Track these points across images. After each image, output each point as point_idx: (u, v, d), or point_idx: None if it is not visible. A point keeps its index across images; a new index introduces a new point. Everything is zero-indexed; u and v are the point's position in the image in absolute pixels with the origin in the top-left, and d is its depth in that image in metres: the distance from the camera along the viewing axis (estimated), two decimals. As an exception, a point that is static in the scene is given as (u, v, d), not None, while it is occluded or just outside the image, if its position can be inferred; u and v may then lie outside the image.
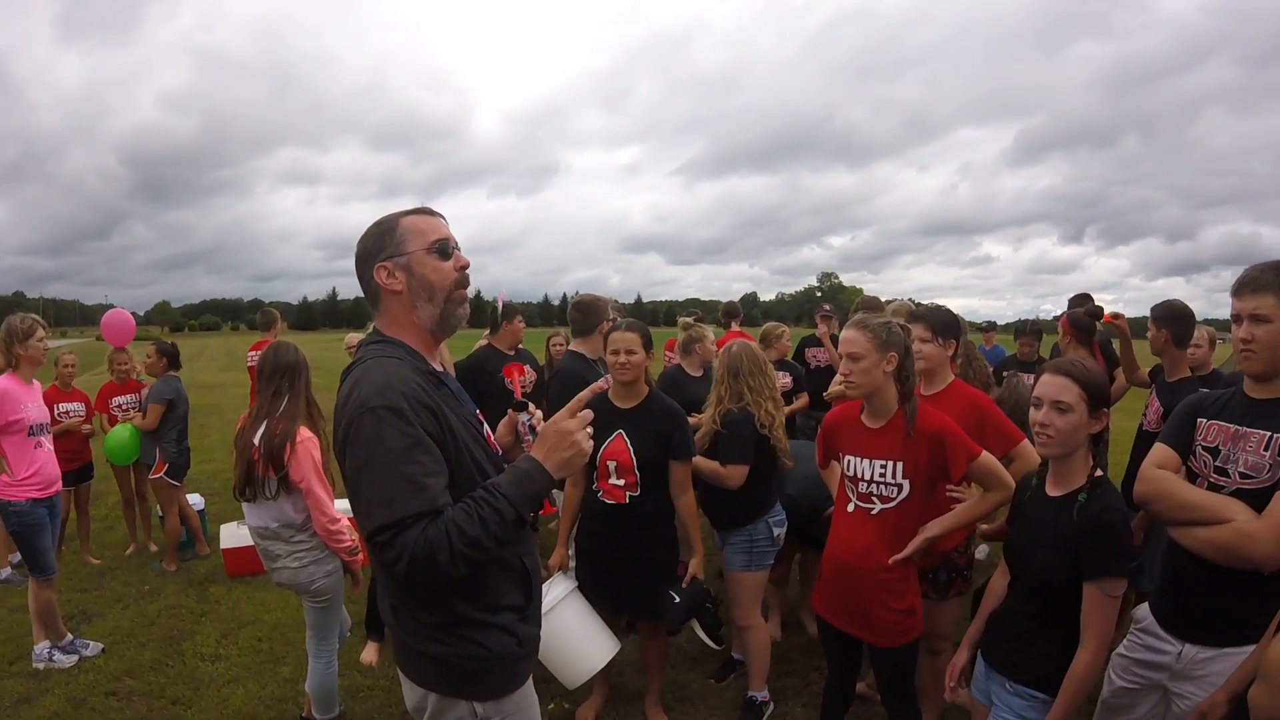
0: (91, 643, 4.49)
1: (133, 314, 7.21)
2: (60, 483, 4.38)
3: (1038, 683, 2.22)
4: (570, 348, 4.40)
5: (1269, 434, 2.08)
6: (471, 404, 1.93)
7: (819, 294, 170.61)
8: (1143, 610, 2.39)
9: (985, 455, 2.63)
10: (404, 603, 1.79)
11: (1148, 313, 4.07)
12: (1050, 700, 2.17)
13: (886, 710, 2.93)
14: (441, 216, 1.85)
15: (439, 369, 1.86)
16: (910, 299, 5.03)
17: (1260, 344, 2.09)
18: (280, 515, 3.23)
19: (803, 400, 5.74)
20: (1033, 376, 2.63)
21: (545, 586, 3.09)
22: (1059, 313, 5.71)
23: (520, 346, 5.00)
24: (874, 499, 2.67)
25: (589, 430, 1.79)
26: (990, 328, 9.70)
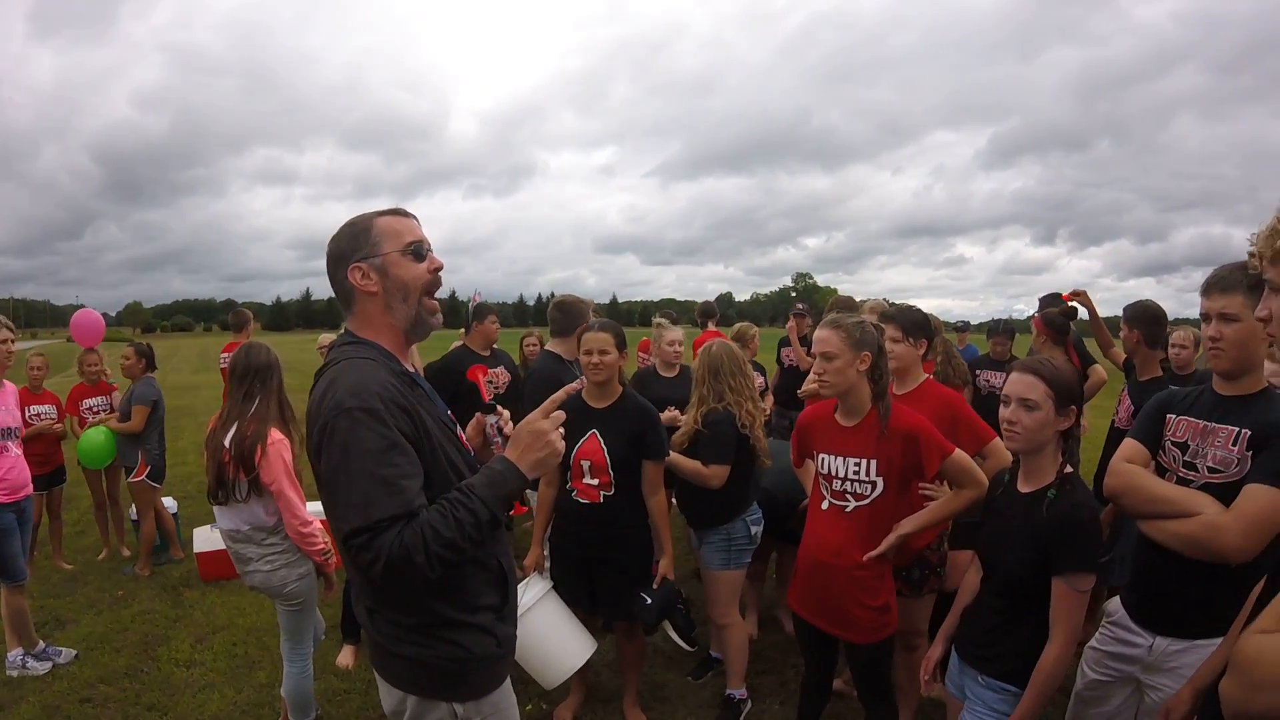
0: (65, 649, 4.43)
1: (104, 315, 7.12)
2: (31, 487, 4.29)
3: (1008, 676, 2.25)
4: (547, 347, 4.40)
5: (1237, 429, 2.12)
6: (443, 405, 1.93)
7: (794, 294, 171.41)
8: (1114, 603, 2.43)
9: (958, 453, 2.66)
10: (380, 605, 1.78)
11: (1119, 313, 4.12)
12: (1020, 693, 2.20)
13: (863, 706, 2.95)
14: (414, 218, 1.84)
15: (411, 370, 1.85)
16: (885, 299, 5.07)
17: (1228, 342, 2.12)
18: (252, 518, 3.20)
19: (768, 401, 5.78)
20: (1004, 375, 2.67)
21: (521, 587, 3.09)
22: (1031, 313, 5.77)
23: (496, 347, 4.99)
24: (848, 497, 2.69)
25: (562, 430, 1.79)
26: (964, 327, 9.80)
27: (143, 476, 5.77)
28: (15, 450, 4.18)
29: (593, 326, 3.31)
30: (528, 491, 4.58)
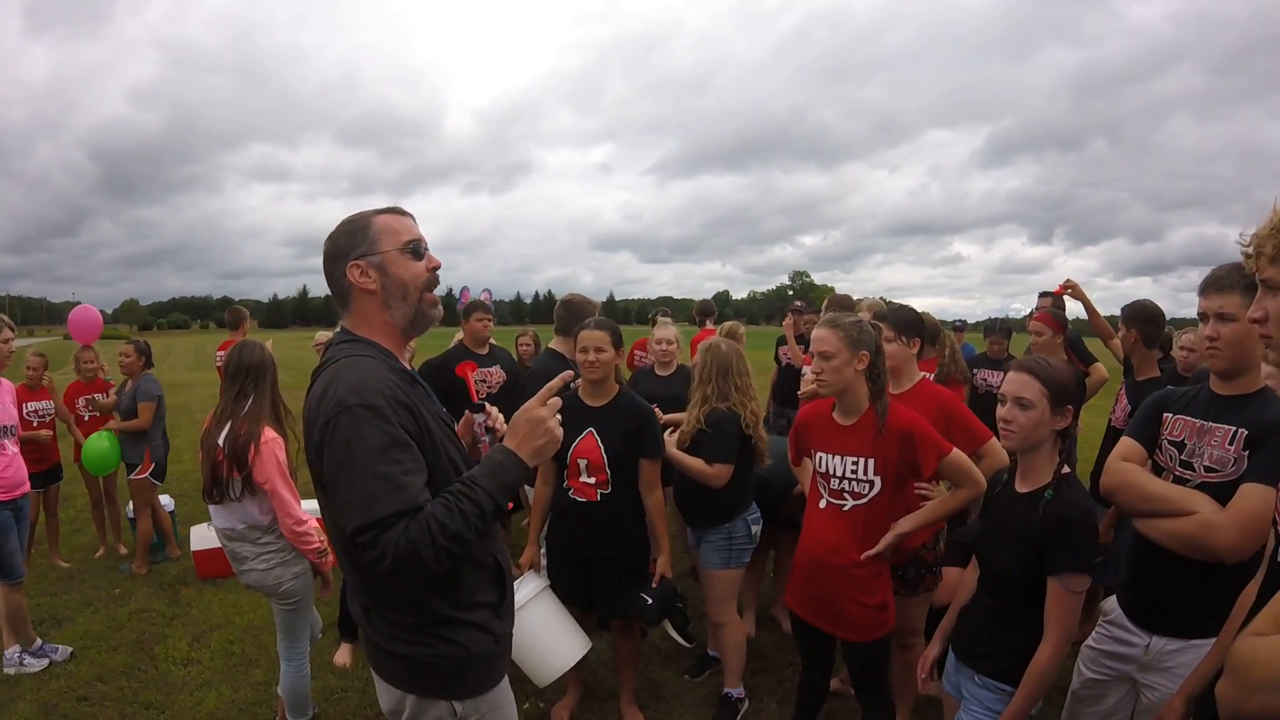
0: (61, 647, 4.42)
1: (101, 312, 7.10)
2: (28, 484, 4.29)
3: (1004, 675, 2.25)
4: (550, 345, 4.39)
5: (1233, 429, 2.12)
6: (439, 403, 1.93)
7: (791, 292, 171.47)
8: (1111, 603, 2.43)
9: (955, 452, 2.66)
10: (377, 604, 1.78)
11: (1115, 311, 4.13)
12: (1015, 693, 2.20)
13: (860, 705, 2.95)
14: (412, 216, 1.85)
15: (409, 368, 1.85)
16: (881, 297, 5.07)
17: (1225, 342, 2.12)
18: (246, 517, 3.19)
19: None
20: (1001, 374, 2.67)
21: (516, 585, 3.09)
22: (1028, 311, 5.77)
23: (494, 345, 4.98)
24: (845, 495, 2.69)
25: (559, 418, 1.79)
26: (961, 327, 9.80)
27: (146, 474, 5.77)
28: (12, 448, 4.17)
29: (589, 324, 3.30)
30: (525, 489, 4.58)
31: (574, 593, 3.41)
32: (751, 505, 3.66)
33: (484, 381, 4.60)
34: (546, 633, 3.26)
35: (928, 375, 3.38)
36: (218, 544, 3.67)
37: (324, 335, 6.14)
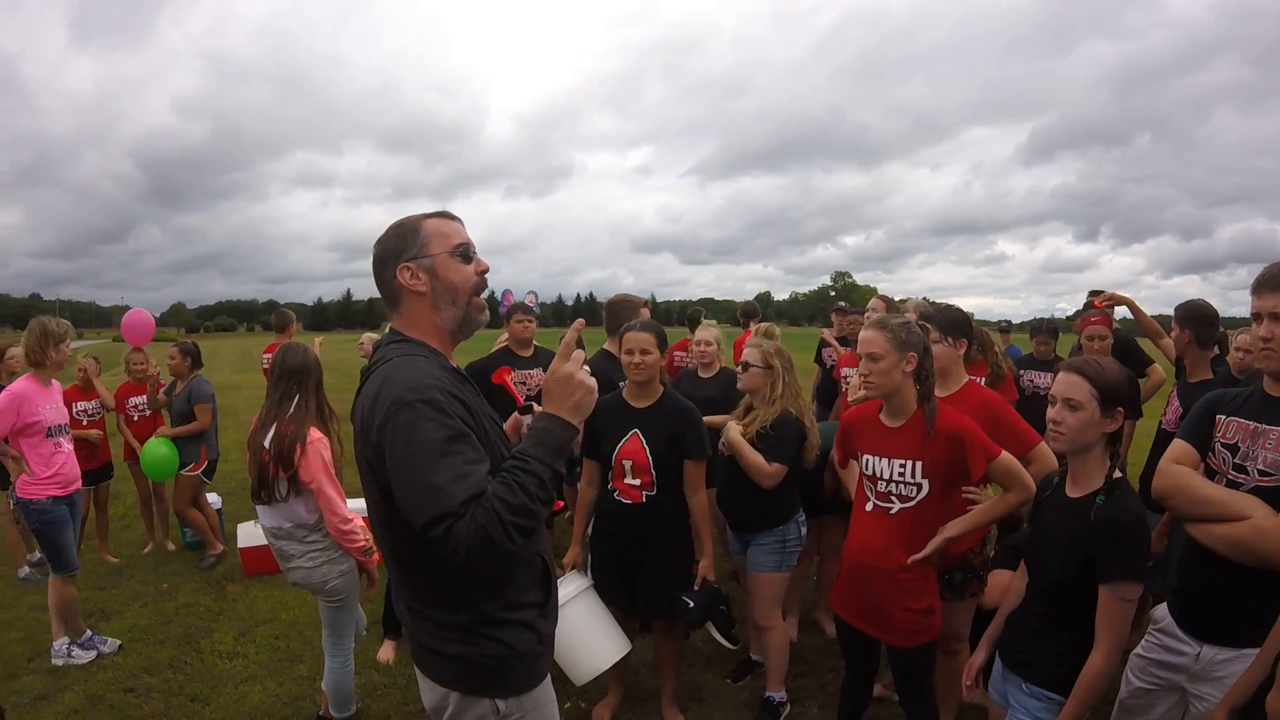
0: (110, 639, 4.53)
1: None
2: (80, 481, 4.43)
3: (1052, 683, 2.21)
4: (604, 346, 4.40)
5: None
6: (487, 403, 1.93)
7: (833, 293, 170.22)
8: (1161, 610, 2.38)
9: (1005, 455, 2.62)
10: (422, 604, 1.79)
11: (1164, 311, 4.05)
12: (1064, 701, 2.16)
13: (904, 711, 2.92)
14: (460, 220, 1.86)
15: (458, 367, 1.87)
16: (925, 298, 5.01)
17: None
18: (293, 516, 3.24)
19: None
20: (1050, 375, 2.62)
21: (559, 584, 3.10)
22: (1074, 311, 5.67)
23: (539, 346, 4.99)
24: (893, 498, 2.66)
25: (587, 369, 1.78)
26: (1007, 328, 9.68)
27: (199, 471, 5.90)
28: (67, 446, 4.31)
29: (634, 326, 3.30)
30: (565, 488, 4.58)
31: (617, 595, 3.41)
32: (800, 507, 3.63)
33: (523, 384, 4.62)
34: (586, 632, 3.26)
35: (978, 379, 3.32)
36: (264, 541, 3.73)
37: (370, 337, 6.22)
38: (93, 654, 4.38)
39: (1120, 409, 2.17)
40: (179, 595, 5.37)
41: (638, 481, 3.29)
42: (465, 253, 1.81)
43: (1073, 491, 2.25)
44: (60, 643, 4.36)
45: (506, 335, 5.00)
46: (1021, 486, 2.61)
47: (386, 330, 1.89)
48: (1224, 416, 2.26)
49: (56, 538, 4.19)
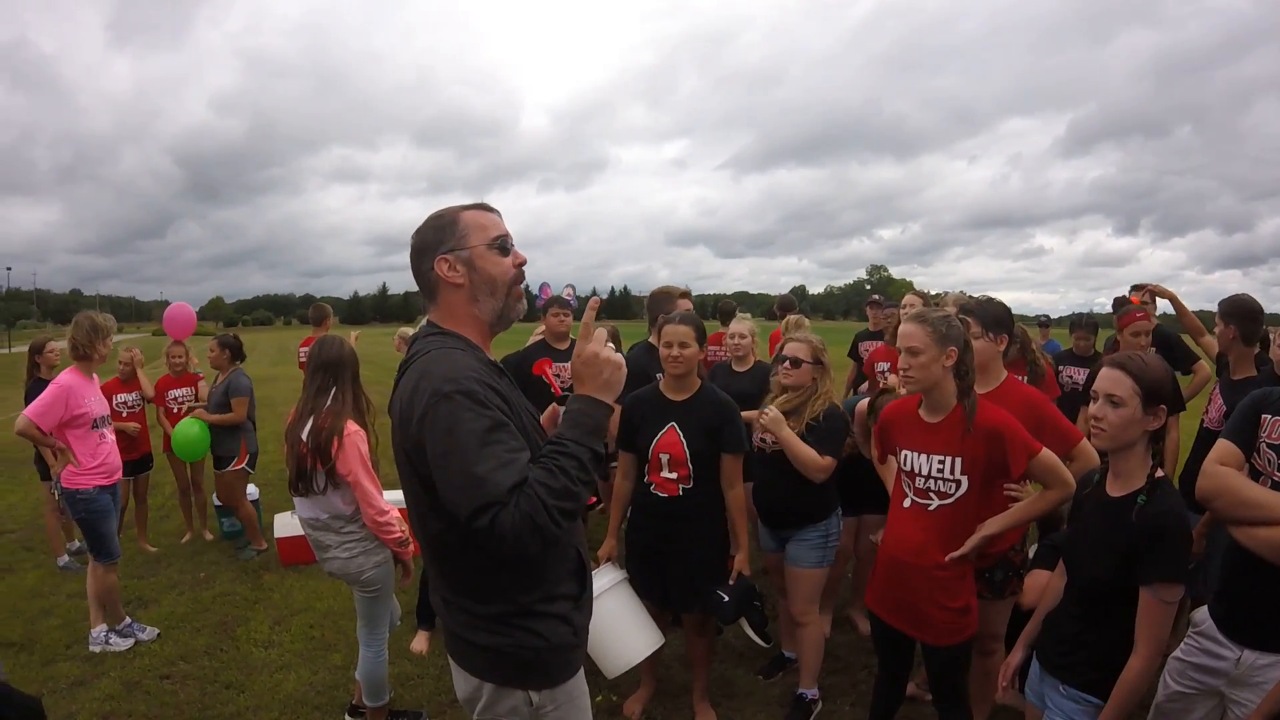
0: (148, 627, 4.61)
1: (190, 309, 7.35)
2: (121, 471, 4.51)
3: (1090, 686, 2.18)
4: (648, 339, 4.41)
5: None
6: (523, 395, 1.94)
7: (868, 287, 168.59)
8: (1201, 613, 2.34)
9: (1045, 452, 2.57)
10: (457, 596, 1.79)
11: (1205, 306, 3.97)
12: (1102, 705, 2.13)
13: (936, 711, 2.89)
14: (498, 213, 1.86)
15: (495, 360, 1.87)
16: (962, 291, 4.94)
17: None
18: (330, 508, 3.27)
19: None
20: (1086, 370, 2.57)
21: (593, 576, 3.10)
22: (1114, 300, 5.58)
23: (573, 340, 5.00)
24: (931, 495, 2.63)
25: (612, 345, 1.77)
26: (1046, 322, 9.56)
27: (242, 465, 5.98)
28: (110, 436, 4.41)
29: (673, 319, 3.28)
30: (599, 483, 4.58)
31: (651, 588, 3.40)
32: (839, 502, 3.61)
33: (559, 376, 4.63)
34: (619, 625, 3.26)
35: (1019, 376, 3.27)
36: (300, 532, 3.78)
37: (406, 331, 6.27)
38: (130, 641, 4.46)
39: (1163, 406, 2.13)
40: (216, 584, 5.46)
41: (674, 475, 3.28)
42: (503, 245, 1.81)
43: (1114, 490, 2.21)
44: (98, 630, 4.44)
45: (543, 328, 5.03)
46: (1063, 484, 2.56)
47: (423, 323, 1.90)
48: (1270, 416, 2.21)
49: (101, 526, 4.28)
